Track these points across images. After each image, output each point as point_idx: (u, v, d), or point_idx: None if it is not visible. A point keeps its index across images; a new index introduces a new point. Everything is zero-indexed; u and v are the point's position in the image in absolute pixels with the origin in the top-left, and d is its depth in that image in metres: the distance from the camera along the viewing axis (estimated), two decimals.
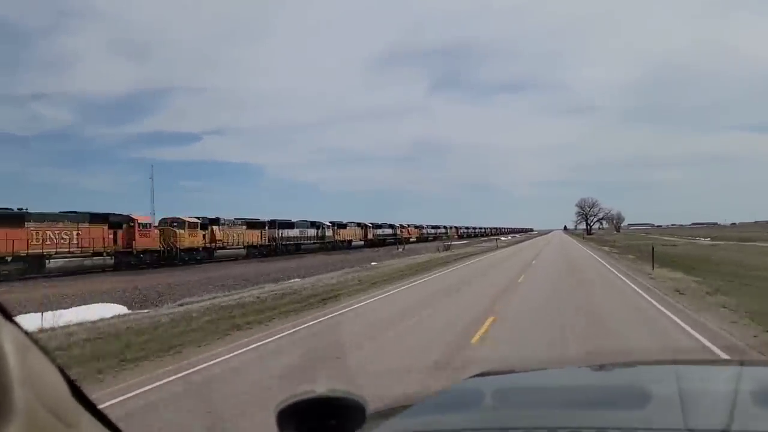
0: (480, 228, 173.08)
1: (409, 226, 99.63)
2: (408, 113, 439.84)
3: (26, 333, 0.70)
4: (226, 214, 50.97)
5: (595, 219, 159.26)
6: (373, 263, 35.04)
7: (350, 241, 72.19)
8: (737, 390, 1.57)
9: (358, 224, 76.97)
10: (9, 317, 0.67)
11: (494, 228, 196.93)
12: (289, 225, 58.68)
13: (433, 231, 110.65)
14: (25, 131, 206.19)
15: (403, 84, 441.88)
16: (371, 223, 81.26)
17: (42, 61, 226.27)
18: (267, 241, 53.82)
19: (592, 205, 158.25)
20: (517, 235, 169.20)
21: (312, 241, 61.80)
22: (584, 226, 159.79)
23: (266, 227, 54.11)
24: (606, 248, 53.65)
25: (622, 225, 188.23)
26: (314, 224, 63.98)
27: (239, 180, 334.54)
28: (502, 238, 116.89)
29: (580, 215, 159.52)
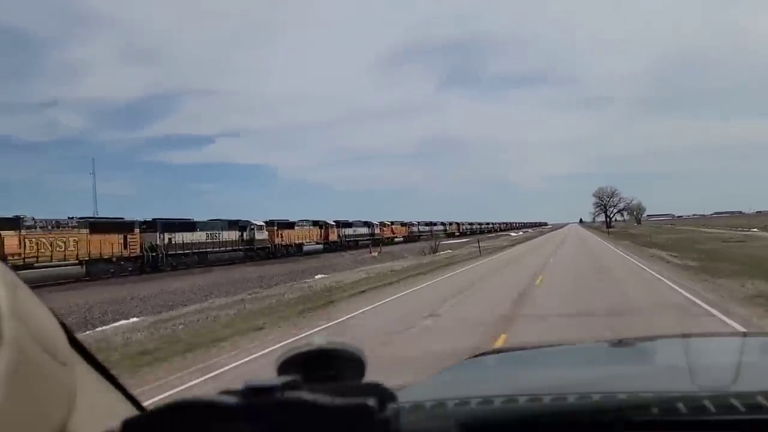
0: (487, 223, 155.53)
1: (393, 223, 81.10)
2: (419, 111, 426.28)
3: (14, 272, 0.68)
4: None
5: (615, 210, 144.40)
6: (318, 276, 26.44)
7: (301, 245, 52.98)
8: (741, 358, 1.66)
9: (315, 222, 57.95)
10: None
11: (505, 223, 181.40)
12: (186, 227, 39.33)
13: (426, 228, 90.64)
14: (39, 137, 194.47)
15: (414, 81, 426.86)
16: (336, 221, 62.14)
17: (55, 69, 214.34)
18: (140, 250, 34.63)
19: (611, 195, 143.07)
20: (529, 230, 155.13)
21: (230, 248, 42.72)
22: (602, 219, 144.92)
23: (135, 229, 34.75)
24: (653, 251, 33.36)
25: (642, 216, 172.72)
26: (236, 224, 44.79)
27: (252, 181, 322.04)
28: (513, 234, 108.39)
29: (598, 206, 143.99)
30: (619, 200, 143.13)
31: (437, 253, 40.68)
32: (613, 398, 1.16)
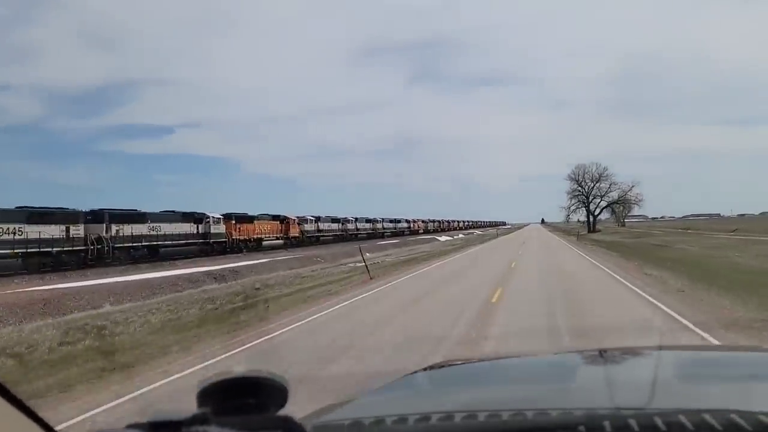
0: (452, 221, 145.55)
1: (357, 220, 79.03)
2: (387, 107, 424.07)
3: None
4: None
5: (601, 203, 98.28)
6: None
7: (260, 240, 53.17)
8: (656, 372, 1.70)
9: (275, 217, 57.31)
10: None
11: (470, 221, 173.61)
12: (135, 218, 39.33)
13: (390, 225, 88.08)
14: None
15: (382, 77, 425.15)
16: (299, 217, 61.31)
17: (7, 51, 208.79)
18: (85, 242, 34.57)
19: (598, 178, 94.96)
20: (475, 232, 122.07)
21: (184, 241, 42.83)
22: (581, 217, 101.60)
23: (79, 220, 34.64)
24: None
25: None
26: (191, 216, 44.91)
27: (214, 174, 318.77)
28: (459, 235, 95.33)
29: (575, 197, 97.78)
30: (611, 186, 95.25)
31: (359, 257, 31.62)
32: (544, 416, 1.18)
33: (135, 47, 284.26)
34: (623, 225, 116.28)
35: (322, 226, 66.08)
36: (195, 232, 44.71)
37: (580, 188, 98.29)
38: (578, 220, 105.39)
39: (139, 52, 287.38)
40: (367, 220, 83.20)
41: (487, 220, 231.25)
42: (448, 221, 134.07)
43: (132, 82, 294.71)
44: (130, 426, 0.70)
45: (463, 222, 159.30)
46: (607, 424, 1.02)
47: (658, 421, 1.02)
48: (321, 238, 63.79)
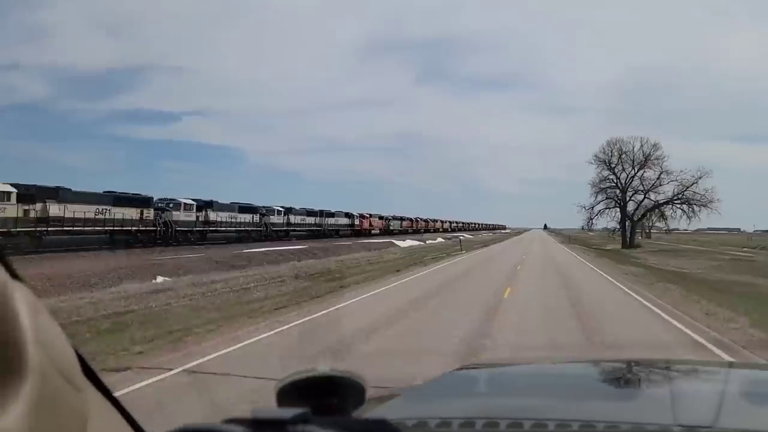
0: (453, 221, 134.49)
1: (285, 212, 60.60)
2: (393, 105, 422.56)
3: (35, 296, 0.68)
4: None
5: (644, 201, 63.00)
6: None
7: None
8: (725, 390, 1.64)
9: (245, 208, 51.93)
10: (19, 278, 0.64)
11: (472, 223, 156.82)
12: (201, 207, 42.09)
13: (310, 220, 61.08)
14: None
15: (389, 74, 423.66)
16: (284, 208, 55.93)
17: (20, 32, 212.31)
18: (149, 225, 37.67)
19: (644, 161, 60.36)
20: (464, 235, 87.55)
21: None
22: (611, 221, 66.08)
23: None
24: None
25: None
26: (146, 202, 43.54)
27: (220, 163, 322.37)
28: (439, 239, 72.47)
29: (603, 191, 63.29)
30: (660, 177, 59.98)
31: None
32: (591, 427, 1.16)
33: (144, 33, 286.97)
34: (648, 236, 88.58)
35: (295, 219, 59.30)
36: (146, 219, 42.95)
37: (613, 176, 61.62)
38: (608, 228, 67.69)
39: (149, 38, 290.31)
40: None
41: (485, 222, 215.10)
42: (426, 220, 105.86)
43: (140, 67, 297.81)
44: (230, 420, 0.70)
45: (451, 223, 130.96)
46: None
47: None
48: (291, 232, 57.38)
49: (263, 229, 50.83)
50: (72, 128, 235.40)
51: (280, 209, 55.00)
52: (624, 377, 2.10)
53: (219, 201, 47.21)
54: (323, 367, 0.95)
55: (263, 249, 35.69)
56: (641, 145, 61.80)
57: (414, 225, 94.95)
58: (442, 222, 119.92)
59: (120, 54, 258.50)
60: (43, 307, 0.68)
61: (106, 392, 0.90)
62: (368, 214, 76.42)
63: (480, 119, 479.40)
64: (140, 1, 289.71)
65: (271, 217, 53.10)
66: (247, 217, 50.07)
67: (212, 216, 44.55)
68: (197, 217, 42.53)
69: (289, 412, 0.71)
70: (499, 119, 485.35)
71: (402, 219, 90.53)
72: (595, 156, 63.92)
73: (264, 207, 52.95)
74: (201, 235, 42.94)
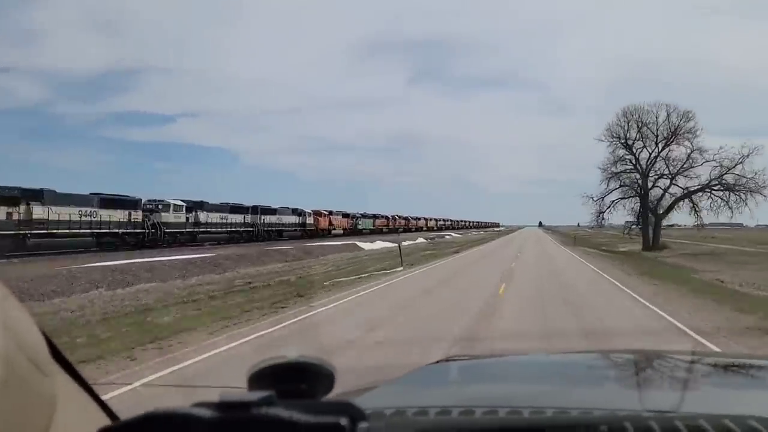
0: (445, 220, 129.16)
1: (332, 213, 64.81)
2: (388, 105, 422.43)
3: (2, 282, 0.68)
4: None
5: (671, 189, 47.67)
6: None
7: None
8: (690, 377, 1.75)
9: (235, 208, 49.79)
10: None
11: (447, 221, 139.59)
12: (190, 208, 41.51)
13: (235, 218, 49.29)
14: None
15: (385, 74, 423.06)
16: (262, 207, 53.96)
17: (12, 34, 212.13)
18: (138, 227, 37.36)
19: (673, 135, 45.58)
20: (451, 234, 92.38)
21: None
22: (627, 216, 51.64)
23: None
24: None
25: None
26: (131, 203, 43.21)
27: (214, 164, 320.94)
28: (420, 239, 65.04)
29: (616, 175, 48.54)
30: (691, 156, 45.81)
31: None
32: (565, 414, 1.20)
33: (138, 35, 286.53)
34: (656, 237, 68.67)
35: (286, 219, 55.45)
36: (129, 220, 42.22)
37: (630, 155, 48.02)
38: (628, 223, 53.54)
39: (143, 40, 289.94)
40: (344, 215, 68.61)
41: (477, 220, 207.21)
42: (407, 218, 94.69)
43: (134, 70, 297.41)
44: (198, 404, 0.72)
45: (437, 221, 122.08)
46: (628, 425, 1.02)
47: (680, 425, 1.01)
48: (284, 231, 53.67)
49: (147, 231, 37.39)
50: (64, 130, 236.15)
51: (180, 204, 41.45)
52: (598, 367, 2.20)
53: (209, 202, 45.43)
54: (292, 353, 0.98)
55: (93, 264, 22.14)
56: (667, 115, 46.29)
57: (391, 224, 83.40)
58: (426, 220, 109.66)
59: (113, 56, 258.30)
60: (10, 293, 0.68)
61: (78, 377, 0.91)
62: (327, 211, 65.44)
63: (476, 118, 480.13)
64: (133, 2, 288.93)
65: (163, 214, 39.41)
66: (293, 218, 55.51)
67: (202, 217, 43.56)
68: (187, 219, 41.53)
69: (255, 395, 0.74)
70: (494, 118, 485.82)
71: (375, 217, 79.25)
72: (607, 130, 48.42)
73: (153, 201, 40.29)
74: (191, 236, 42.05)
